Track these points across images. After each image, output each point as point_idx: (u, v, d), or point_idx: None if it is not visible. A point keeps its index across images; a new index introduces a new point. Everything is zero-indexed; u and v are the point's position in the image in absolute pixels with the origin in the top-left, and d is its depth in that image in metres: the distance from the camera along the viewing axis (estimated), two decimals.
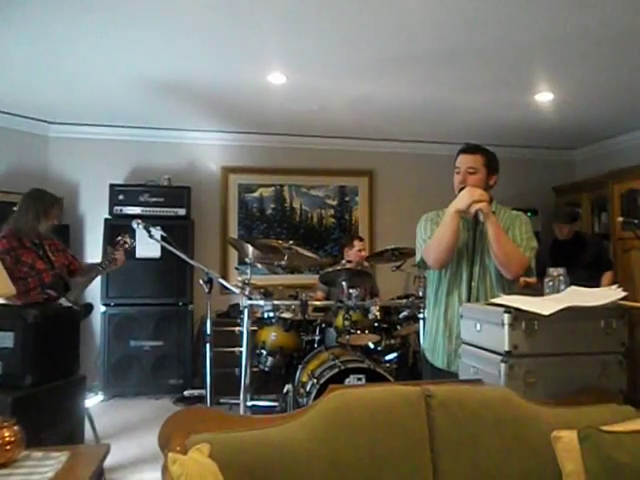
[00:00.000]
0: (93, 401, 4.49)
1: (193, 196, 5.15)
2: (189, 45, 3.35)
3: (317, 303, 3.98)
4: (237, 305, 4.63)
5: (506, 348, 1.73)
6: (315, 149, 5.68)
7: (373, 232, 5.84)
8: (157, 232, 3.21)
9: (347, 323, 3.53)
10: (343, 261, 4.65)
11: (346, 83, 4.04)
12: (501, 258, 2.12)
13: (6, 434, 1.47)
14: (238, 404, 3.43)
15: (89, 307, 3.38)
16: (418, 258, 2.33)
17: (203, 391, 4.21)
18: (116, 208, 4.92)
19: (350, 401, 1.56)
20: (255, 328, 3.86)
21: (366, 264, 4.77)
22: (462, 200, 2.13)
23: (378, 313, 3.75)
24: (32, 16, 2.92)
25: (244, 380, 3.36)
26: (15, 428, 1.49)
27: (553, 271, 2.04)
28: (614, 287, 1.91)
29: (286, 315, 3.75)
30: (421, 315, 3.57)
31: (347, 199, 5.85)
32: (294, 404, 3.44)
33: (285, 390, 3.63)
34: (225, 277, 5.12)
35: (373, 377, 3.08)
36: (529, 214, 2.31)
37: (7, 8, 2.81)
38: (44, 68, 3.72)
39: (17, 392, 1.97)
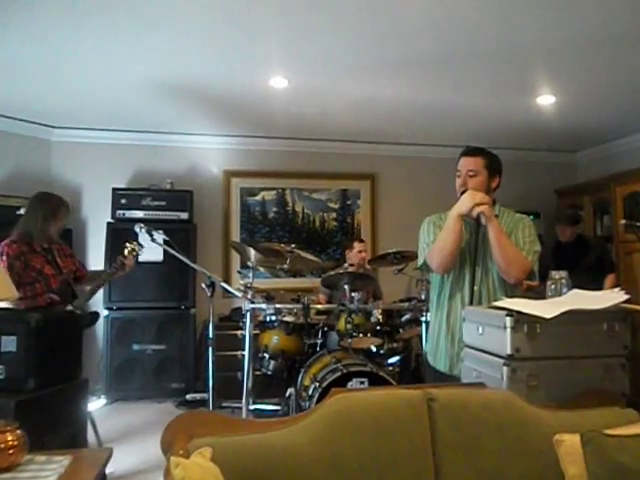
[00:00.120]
0: (96, 405, 4.49)
1: (195, 200, 5.17)
2: (191, 49, 3.36)
3: (319, 306, 3.99)
4: (239, 309, 4.63)
5: (508, 351, 1.72)
6: (317, 152, 5.68)
7: (375, 235, 5.84)
8: (159, 236, 3.21)
9: (349, 326, 3.53)
10: (345, 264, 4.65)
11: (348, 86, 4.05)
12: (502, 262, 2.11)
13: (9, 438, 1.47)
14: (240, 408, 3.43)
15: (95, 315, 3.33)
16: (421, 262, 2.32)
17: (205, 395, 4.21)
18: (119, 212, 4.93)
19: (352, 405, 1.56)
20: (257, 332, 3.86)
21: (368, 267, 4.77)
22: (464, 204, 2.13)
23: (380, 316, 3.74)
24: (33, 20, 2.93)
25: (246, 384, 3.36)
26: (18, 432, 1.49)
27: (555, 274, 2.04)
28: (616, 290, 1.91)
29: (288, 319, 3.75)
30: (423, 318, 3.56)
31: (349, 202, 5.85)
32: (296, 408, 3.43)
33: (287, 394, 3.62)
34: (227, 281, 5.12)
35: (375, 381, 3.07)
36: (531, 217, 2.30)
37: (8, 11, 2.82)
38: (46, 72, 3.74)
39: (20, 396, 1.97)
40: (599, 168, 5.67)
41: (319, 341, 3.79)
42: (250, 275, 3.65)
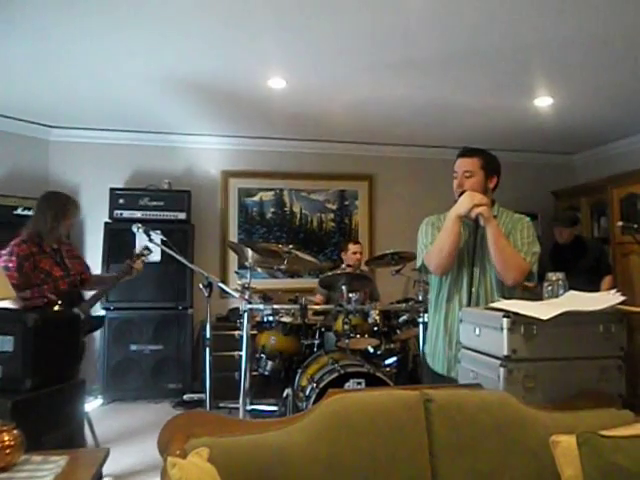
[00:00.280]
0: (93, 405, 4.49)
1: (193, 200, 5.16)
2: (189, 49, 3.37)
3: (317, 307, 3.99)
4: (237, 309, 4.63)
5: (505, 352, 1.73)
6: (315, 153, 5.69)
7: (373, 236, 5.85)
8: (157, 236, 3.20)
9: (346, 327, 3.53)
10: (343, 265, 4.66)
11: (346, 87, 4.05)
12: (500, 264, 2.11)
13: (6, 438, 1.47)
14: (237, 408, 3.42)
15: (100, 319, 3.29)
16: (419, 263, 2.32)
17: (202, 395, 4.19)
18: (116, 212, 4.93)
19: (349, 405, 1.56)
20: (255, 332, 3.86)
21: (366, 268, 4.78)
22: (462, 205, 2.12)
23: (378, 317, 3.74)
24: (31, 19, 2.93)
25: (243, 384, 3.36)
26: (15, 432, 1.49)
27: (552, 275, 2.04)
28: (613, 291, 1.91)
29: (286, 319, 3.75)
30: (421, 319, 3.57)
31: (347, 203, 5.86)
32: (293, 408, 3.44)
33: (284, 394, 3.63)
34: (225, 281, 5.12)
35: (372, 381, 3.08)
36: (528, 218, 2.31)
37: (6, 10, 2.82)
38: (44, 72, 3.74)
39: (17, 396, 1.97)
40: (596, 170, 5.69)
41: (316, 342, 3.79)
42: (247, 275, 3.64)
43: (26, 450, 1.53)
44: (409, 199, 5.74)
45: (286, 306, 3.87)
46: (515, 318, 1.74)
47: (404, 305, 3.93)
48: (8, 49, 3.34)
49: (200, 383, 4.55)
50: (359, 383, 3.07)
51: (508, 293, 2.18)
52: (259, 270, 4.25)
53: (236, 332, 4.47)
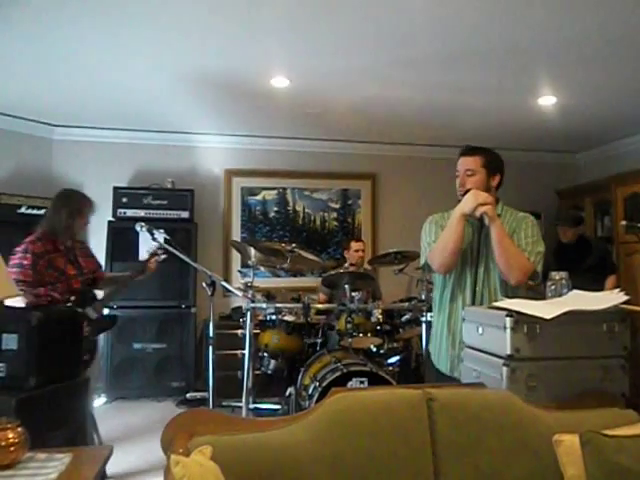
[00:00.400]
0: (96, 403, 4.50)
1: (196, 199, 5.17)
2: (193, 48, 3.37)
3: (319, 306, 3.99)
4: (240, 308, 4.64)
5: (508, 352, 1.73)
6: (318, 152, 5.69)
7: (376, 235, 5.85)
8: (160, 235, 3.20)
9: (349, 326, 3.53)
10: (346, 264, 4.66)
11: (349, 86, 4.05)
12: (503, 264, 2.10)
13: (10, 435, 1.47)
14: (240, 407, 3.43)
15: (114, 319, 3.22)
16: (422, 261, 2.31)
17: (205, 394, 4.21)
18: (120, 211, 4.94)
19: (352, 404, 1.57)
20: (257, 331, 3.86)
21: (368, 267, 4.78)
22: (467, 204, 2.12)
23: (380, 316, 3.74)
24: (33, 17, 2.94)
25: (246, 383, 3.36)
26: (19, 429, 1.50)
27: (555, 275, 2.04)
28: (616, 291, 1.91)
29: (288, 318, 3.76)
30: (424, 318, 3.56)
31: (350, 202, 5.86)
32: (296, 407, 3.44)
33: (287, 393, 3.63)
34: (228, 280, 5.13)
35: (375, 380, 3.08)
36: (532, 217, 2.30)
37: (9, 9, 2.82)
38: (47, 70, 3.75)
39: (21, 394, 1.97)
40: (600, 169, 5.67)
41: (319, 340, 3.80)
42: (250, 274, 3.65)
43: (30, 447, 1.53)
44: (412, 198, 5.73)
45: (289, 305, 3.88)
46: (518, 317, 1.74)
47: (407, 304, 3.93)
48: (10, 47, 3.35)
49: (203, 382, 4.56)
50: (362, 382, 3.07)
51: (512, 292, 2.17)
52: (262, 269, 4.27)
53: (239, 331, 4.49)
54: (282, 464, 1.40)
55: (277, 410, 3.94)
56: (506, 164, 2.30)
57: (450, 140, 5.34)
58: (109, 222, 4.91)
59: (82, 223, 3.08)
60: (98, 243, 4.95)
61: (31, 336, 2.08)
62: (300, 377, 3.55)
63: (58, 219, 2.94)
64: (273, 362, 3.76)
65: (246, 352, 3.41)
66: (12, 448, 1.47)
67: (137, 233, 3.26)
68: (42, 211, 4.59)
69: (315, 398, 3.03)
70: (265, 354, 3.78)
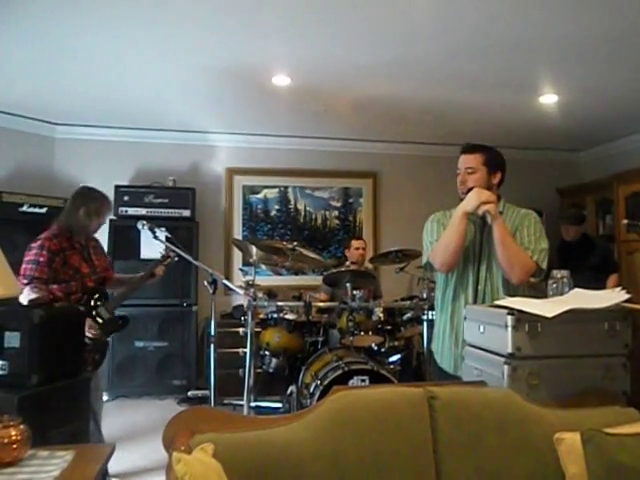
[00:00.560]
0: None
1: (198, 197, 5.17)
2: (194, 46, 3.37)
3: (321, 304, 4.00)
4: (241, 306, 4.64)
5: (509, 350, 1.73)
6: (319, 151, 5.69)
7: (377, 234, 5.85)
8: (162, 233, 3.20)
9: (351, 324, 3.53)
10: (347, 262, 4.66)
11: (350, 85, 4.05)
12: (505, 262, 2.10)
13: (12, 433, 1.48)
14: (242, 405, 3.43)
15: (125, 320, 3.17)
16: (425, 260, 2.31)
17: (207, 392, 4.22)
18: (121, 209, 4.94)
19: (354, 402, 1.57)
20: (259, 329, 3.87)
21: (370, 265, 4.78)
22: (470, 202, 2.11)
23: (382, 315, 3.75)
24: (34, 15, 2.93)
25: (248, 381, 3.36)
26: (21, 427, 1.50)
27: (557, 273, 2.04)
28: (618, 289, 1.91)
29: (290, 316, 3.76)
30: (425, 317, 3.57)
31: (351, 201, 5.85)
32: (297, 405, 3.45)
33: (289, 391, 3.64)
34: (229, 278, 5.13)
35: (376, 379, 3.08)
36: (535, 213, 2.30)
37: (10, 7, 2.82)
38: (48, 69, 3.74)
39: (23, 391, 1.98)
40: (602, 167, 5.66)
41: (320, 339, 3.80)
42: (252, 272, 3.65)
43: (32, 445, 1.54)
44: (413, 196, 5.73)
45: (290, 303, 3.88)
46: (520, 316, 1.74)
47: (408, 303, 3.93)
48: (12, 45, 3.35)
49: (204, 380, 4.57)
50: (363, 380, 3.07)
51: (513, 291, 2.17)
52: (263, 267, 4.26)
53: (240, 329, 4.48)
54: (284, 462, 1.41)
55: (278, 408, 3.94)
56: (507, 162, 2.30)
57: (452, 138, 5.32)
58: (111, 220, 4.88)
59: (99, 223, 3.04)
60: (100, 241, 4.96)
61: (33, 334, 2.09)
62: (301, 375, 3.56)
63: (76, 217, 2.91)
64: (274, 360, 3.76)
65: (247, 350, 3.41)
66: (14, 445, 1.48)
67: (139, 231, 3.26)
68: (44, 209, 4.61)
69: (316, 396, 3.04)
70: (266, 352, 3.79)
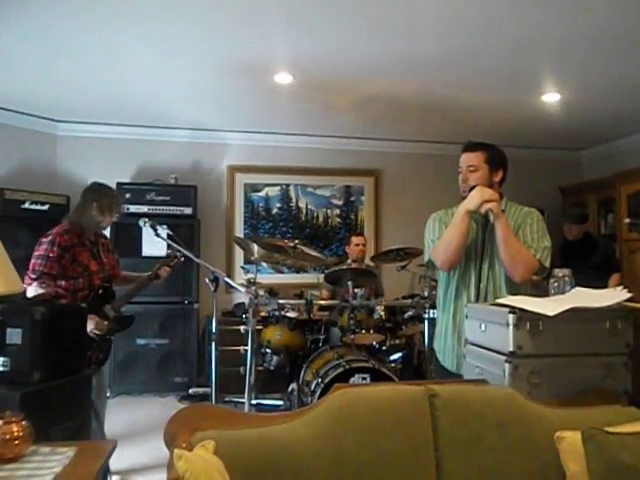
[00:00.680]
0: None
1: (199, 195, 5.18)
2: (195, 44, 3.36)
3: (322, 302, 4.00)
4: (242, 304, 4.64)
5: (510, 348, 1.73)
6: (321, 149, 5.69)
7: (378, 232, 5.85)
8: (163, 231, 3.20)
9: (352, 322, 3.54)
10: (349, 261, 4.66)
11: (352, 83, 4.04)
12: (507, 261, 2.09)
13: (14, 429, 1.48)
14: (243, 403, 3.43)
15: (130, 319, 3.18)
16: (426, 258, 2.31)
17: (208, 389, 4.23)
18: (123, 206, 4.94)
19: (355, 400, 1.57)
20: (260, 327, 3.87)
21: (371, 264, 4.78)
22: (472, 200, 2.11)
23: (383, 313, 3.75)
24: (35, 12, 2.93)
25: (249, 379, 3.37)
26: (23, 423, 1.51)
27: (558, 272, 2.04)
28: (619, 288, 1.91)
29: (291, 314, 3.77)
30: (426, 315, 3.57)
31: (353, 199, 5.85)
32: (299, 403, 3.45)
33: (290, 389, 3.64)
34: (230, 276, 5.13)
35: (378, 377, 3.08)
36: (538, 212, 2.30)
37: (12, 4, 2.82)
38: (49, 66, 3.74)
39: (25, 388, 1.98)
40: (604, 166, 5.65)
41: (321, 337, 3.81)
42: (253, 270, 3.66)
43: (34, 441, 1.54)
44: (415, 195, 5.73)
45: (291, 301, 3.89)
46: (521, 314, 1.74)
47: (409, 301, 3.93)
48: (13, 43, 3.35)
49: (206, 377, 4.58)
50: (364, 378, 3.08)
51: (516, 289, 2.16)
52: (265, 265, 4.27)
53: (242, 327, 4.46)
54: (285, 459, 1.41)
55: (279, 406, 3.95)
56: (510, 161, 2.30)
57: (453, 137, 5.32)
58: None
59: (110, 219, 3.04)
60: None
61: (35, 330, 2.09)
62: (302, 373, 3.56)
63: (87, 214, 2.91)
64: (275, 358, 3.77)
65: (249, 348, 3.41)
66: (16, 442, 1.48)
67: (140, 229, 3.26)
68: (46, 207, 4.63)
69: (317, 394, 3.04)
70: (268, 350, 3.79)
